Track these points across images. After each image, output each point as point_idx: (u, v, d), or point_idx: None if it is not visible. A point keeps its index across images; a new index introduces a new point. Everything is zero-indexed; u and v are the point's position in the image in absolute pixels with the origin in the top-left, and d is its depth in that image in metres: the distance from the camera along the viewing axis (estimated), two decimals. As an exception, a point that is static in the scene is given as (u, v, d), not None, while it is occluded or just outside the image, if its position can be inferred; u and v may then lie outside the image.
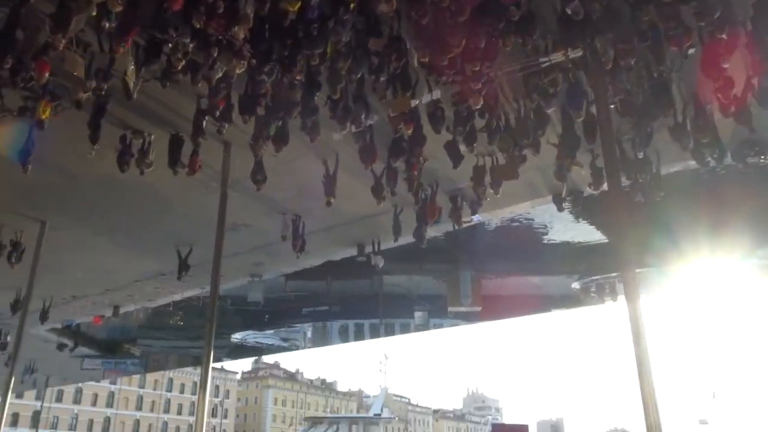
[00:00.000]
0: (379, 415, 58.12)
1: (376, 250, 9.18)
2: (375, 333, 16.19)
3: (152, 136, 6.32)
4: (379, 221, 8.45)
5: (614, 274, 9.77)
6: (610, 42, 4.48)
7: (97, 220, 8.76)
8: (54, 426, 68.54)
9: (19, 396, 52.62)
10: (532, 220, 8.92)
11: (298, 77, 4.79)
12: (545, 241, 9.78)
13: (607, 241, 9.16)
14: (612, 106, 5.01)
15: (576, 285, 11.30)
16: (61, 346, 16.68)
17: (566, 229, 9.28)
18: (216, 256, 6.86)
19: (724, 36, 4.23)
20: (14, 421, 57.12)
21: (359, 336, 16.22)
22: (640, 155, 5.64)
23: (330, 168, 6.75)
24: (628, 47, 4.50)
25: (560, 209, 7.77)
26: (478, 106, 5.09)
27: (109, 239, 9.37)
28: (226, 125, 5.35)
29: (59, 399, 70.57)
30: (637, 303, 4.76)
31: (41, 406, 60.73)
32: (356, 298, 13.06)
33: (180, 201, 7.86)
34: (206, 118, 5.55)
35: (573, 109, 5.24)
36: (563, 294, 12.02)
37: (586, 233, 9.32)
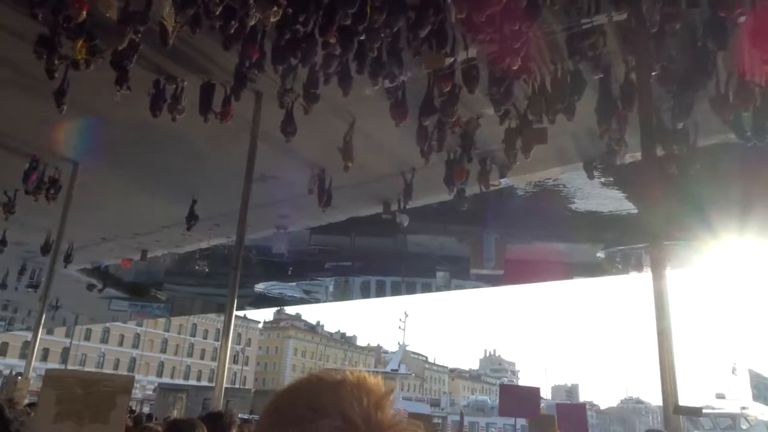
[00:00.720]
0: (397, 370, 59.21)
1: (401, 208, 9.18)
2: (396, 290, 16.34)
3: (185, 83, 6.34)
4: (407, 179, 8.44)
5: (641, 245, 9.65)
6: (658, 5, 4.32)
7: (128, 164, 8.88)
8: (82, 363, 71.17)
9: (50, 333, 54.68)
10: (562, 186, 8.80)
11: (333, 35, 4.72)
12: (573, 208, 9.66)
13: (636, 211, 9.02)
14: (653, 74, 4.86)
15: (601, 254, 11.20)
16: (90, 287, 17.17)
17: (595, 197, 9.15)
18: (243, 206, 6.94)
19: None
20: (44, 356, 59.43)
21: (380, 292, 16.39)
22: (679, 126, 5.48)
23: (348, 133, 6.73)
24: (675, 11, 4.33)
25: (591, 177, 7.66)
26: (516, 67, 4.97)
27: (139, 184, 9.52)
28: (258, 74, 5.33)
29: (87, 338, 73.20)
30: (663, 275, 4.71)
31: (70, 343, 63.04)
32: (379, 255, 13.13)
33: (210, 149, 7.92)
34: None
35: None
36: (588, 262, 11.93)
37: (615, 202, 9.17)
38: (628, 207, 9.15)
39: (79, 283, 16.66)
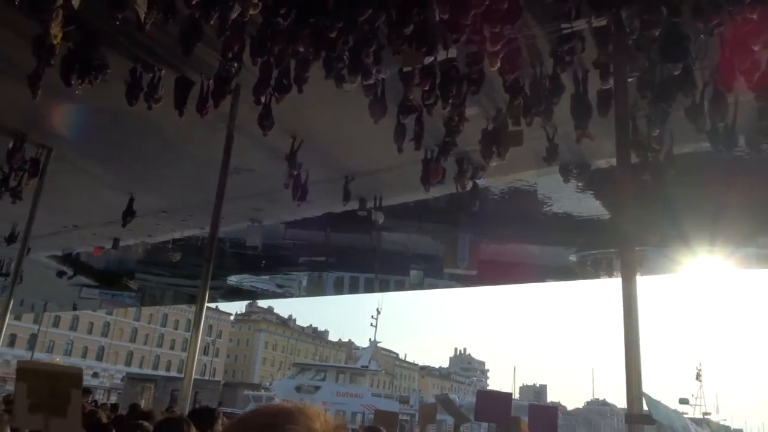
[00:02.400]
0: (367, 366, 59.30)
1: (377, 205, 9.18)
2: (370, 287, 16.34)
3: (162, 71, 6.25)
4: (383, 177, 8.43)
5: (612, 250, 9.78)
6: (636, 12, 4.37)
7: (102, 151, 8.74)
8: (50, 350, 70.04)
9: (17, 318, 53.69)
10: (536, 189, 8.87)
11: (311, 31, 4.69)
12: (547, 211, 9.75)
13: (608, 216, 9.14)
14: (630, 80, 4.92)
15: (573, 257, 11.32)
16: (60, 274, 16.88)
17: (570, 200, 9.24)
18: (218, 198, 6.86)
19: (755, 16, 4.11)
20: (11, 342, 58.34)
21: (354, 289, 16.38)
22: (654, 133, 5.55)
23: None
24: (654, 18, 4.38)
25: (567, 180, 7.72)
26: (495, 68, 4.99)
27: (113, 172, 9.37)
28: (236, 66, 5.27)
29: (56, 324, 72.04)
30: (633, 280, 4.77)
31: (38, 329, 61.99)
32: (353, 252, 13.12)
33: (185, 140, 7.81)
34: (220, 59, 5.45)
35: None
36: (560, 265, 12.06)
37: (590, 207, 9.27)
38: (601, 212, 9.26)
39: (48, 270, 16.36)
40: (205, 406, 4.19)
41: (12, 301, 9.98)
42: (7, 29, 5.71)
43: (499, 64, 4.85)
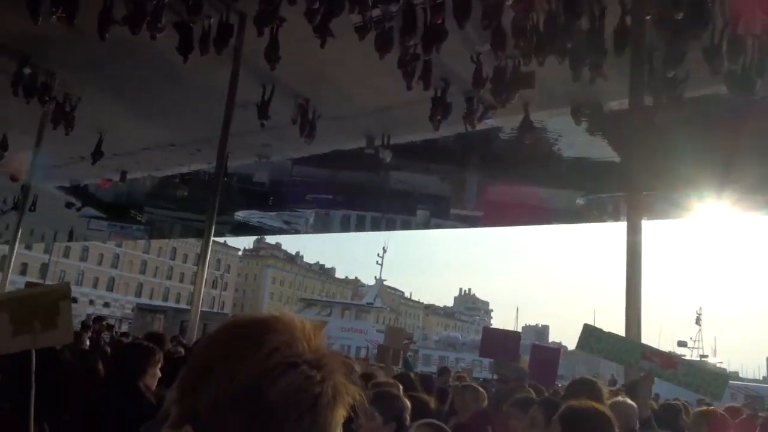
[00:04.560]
0: (372, 304, 60.30)
1: (385, 144, 9.09)
2: (376, 226, 16.42)
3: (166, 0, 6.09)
4: (391, 115, 8.32)
5: (620, 194, 9.73)
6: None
7: (109, 82, 8.61)
8: (60, 279, 71.40)
9: (28, 248, 54.56)
10: (546, 130, 8.75)
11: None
12: (556, 154, 9.64)
13: (618, 160, 9.04)
14: (648, 18, 4.76)
15: (580, 200, 11.28)
16: (69, 205, 17.02)
17: (579, 143, 9.12)
18: (224, 133, 6.84)
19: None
20: (23, 270, 59.47)
21: (360, 227, 16.47)
22: (669, 75, 5.41)
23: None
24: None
25: (578, 123, 7.61)
26: (510, 2, 4.84)
27: (120, 103, 9.26)
28: None
29: (66, 255, 73.25)
30: (639, 225, 4.77)
31: (49, 259, 62.96)
32: (361, 190, 13.11)
33: (191, 71, 7.67)
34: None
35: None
36: (566, 208, 12.02)
37: (599, 150, 9.15)
38: (611, 155, 9.15)
39: (57, 201, 16.49)
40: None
41: (21, 230, 10.16)
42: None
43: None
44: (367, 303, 60.48)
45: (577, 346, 3.71)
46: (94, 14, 5.91)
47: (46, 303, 3.06)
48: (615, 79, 5.53)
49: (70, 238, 25.92)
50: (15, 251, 9.70)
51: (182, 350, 6.49)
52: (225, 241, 78.18)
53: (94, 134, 10.14)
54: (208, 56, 6.40)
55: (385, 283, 76.50)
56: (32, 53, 7.72)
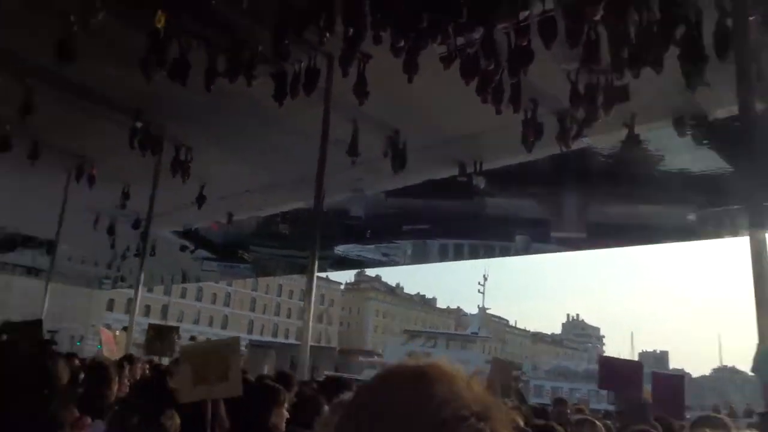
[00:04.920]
0: (477, 333, 59.20)
1: (477, 170, 9.01)
2: (474, 253, 16.20)
3: (261, 48, 6.43)
4: (482, 140, 8.24)
5: (737, 207, 9.02)
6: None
7: (211, 130, 9.17)
8: (180, 319, 75.84)
9: (150, 290, 58.60)
10: (648, 144, 8.30)
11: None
12: (661, 168, 9.12)
13: (731, 170, 8.40)
14: (751, 18, 4.44)
15: (692, 216, 10.55)
16: (183, 248, 18.14)
17: (685, 155, 8.58)
18: (319, 170, 7.04)
19: None
20: (146, 312, 63.76)
21: (458, 255, 16.30)
22: (781, 75, 4.99)
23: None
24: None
25: (682, 134, 7.18)
26: (596, 17, 4.69)
27: (221, 148, 9.81)
28: (328, 36, 5.31)
29: (183, 296, 77.88)
30: (762, 238, 4.38)
31: (169, 301, 67.33)
32: (457, 218, 13.01)
33: (284, 115, 8.02)
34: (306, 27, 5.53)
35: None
36: (677, 225, 11.28)
37: (708, 161, 8.56)
38: (722, 166, 8.53)
39: (172, 245, 17.62)
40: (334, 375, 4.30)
41: (143, 274, 10.92)
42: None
43: (601, 12, 4.55)
44: (472, 333, 59.45)
45: (751, 370, 3.41)
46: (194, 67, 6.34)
47: (218, 356, 3.36)
48: (719, 86, 5.18)
49: (185, 279, 27.54)
50: (140, 294, 10.42)
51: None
52: (327, 276, 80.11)
53: (201, 181, 10.78)
54: (299, 98, 6.67)
55: (488, 311, 75.02)
56: (144, 109, 8.40)
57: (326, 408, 3.53)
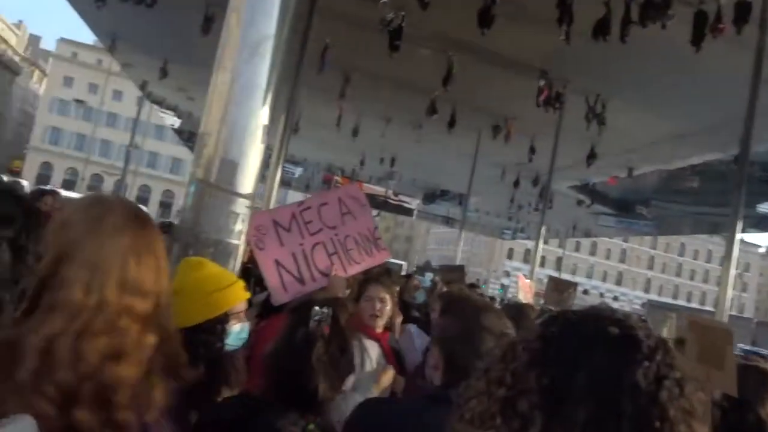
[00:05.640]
0: None
1: None
2: None
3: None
4: None
5: None
6: None
7: (616, 81, 8.79)
8: (573, 272, 77.19)
9: (545, 242, 61.12)
10: None
11: None
12: None
13: None
14: None
15: None
16: (579, 202, 18.24)
17: None
18: (748, 114, 6.08)
19: None
20: (542, 263, 66.78)
21: None
22: None
23: None
24: None
25: None
26: None
27: (625, 98, 9.33)
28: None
29: (577, 249, 78.77)
30: None
31: (563, 253, 68.96)
32: None
33: (702, 57, 7.14)
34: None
35: None
36: None
37: None
38: None
39: (568, 198, 17.87)
40: None
41: (543, 227, 11.37)
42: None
43: None
44: None
45: None
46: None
47: (716, 341, 3.13)
48: None
49: (580, 233, 27.68)
50: (539, 246, 10.93)
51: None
52: (742, 237, 70.19)
53: (606, 132, 10.50)
54: (723, 37, 5.83)
55: None
56: (549, 66, 8.56)
57: None
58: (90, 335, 1.10)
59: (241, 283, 2.28)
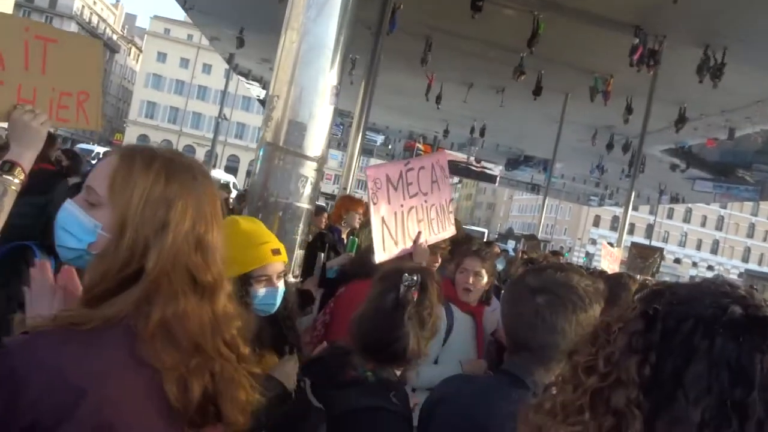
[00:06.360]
0: None
1: None
2: None
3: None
4: None
5: None
6: None
7: (717, 30, 8.22)
8: (665, 240, 73.70)
9: (635, 209, 58.60)
10: None
11: None
12: None
13: None
14: None
15: None
16: (673, 167, 17.33)
17: None
18: None
19: None
20: (631, 230, 64.22)
21: None
22: None
23: None
24: None
25: None
26: None
27: (731, 53, 8.72)
28: None
29: (669, 216, 74.99)
30: None
31: (654, 220, 65.90)
32: None
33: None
34: None
35: None
36: None
37: None
38: None
39: (662, 163, 17.02)
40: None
41: (633, 193, 10.93)
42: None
43: None
44: None
45: None
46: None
47: None
48: None
49: (673, 199, 26.34)
50: (628, 213, 10.52)
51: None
52: None
53: (703, 93, 9.89)
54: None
55: None
56: (643, 23, 8.13)
57: None
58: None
59: (272, 246, 2.06)
